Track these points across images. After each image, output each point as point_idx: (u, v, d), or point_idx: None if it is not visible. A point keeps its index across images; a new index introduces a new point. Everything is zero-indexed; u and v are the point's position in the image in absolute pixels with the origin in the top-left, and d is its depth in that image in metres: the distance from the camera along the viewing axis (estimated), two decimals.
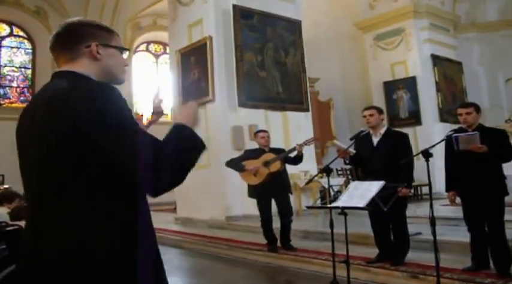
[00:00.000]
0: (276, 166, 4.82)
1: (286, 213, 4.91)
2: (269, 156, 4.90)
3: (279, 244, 4.98)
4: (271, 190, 4.84)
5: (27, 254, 1.10)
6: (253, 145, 5.41)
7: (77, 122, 1.03)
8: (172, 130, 1.14)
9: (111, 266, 1.04)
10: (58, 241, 1.04)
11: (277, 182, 4.84)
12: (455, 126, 4.14)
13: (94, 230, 1.04)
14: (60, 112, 1.06)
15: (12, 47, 12.54)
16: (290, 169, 5.20)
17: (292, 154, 4.90)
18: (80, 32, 1.20)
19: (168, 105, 8.73)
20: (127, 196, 1.09)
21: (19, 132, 1.20)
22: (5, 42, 12.47)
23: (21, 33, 12.67)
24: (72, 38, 1.19)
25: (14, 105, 12.03)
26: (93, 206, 1.06)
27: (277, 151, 5.02)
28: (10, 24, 12.52)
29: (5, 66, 12.37)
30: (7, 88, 12.33)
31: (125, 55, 1.27)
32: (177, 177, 1.10)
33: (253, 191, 4.99)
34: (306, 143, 4.89)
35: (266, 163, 4.83)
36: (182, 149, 1.11)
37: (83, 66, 1.18)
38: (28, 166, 1.15)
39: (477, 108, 3.61)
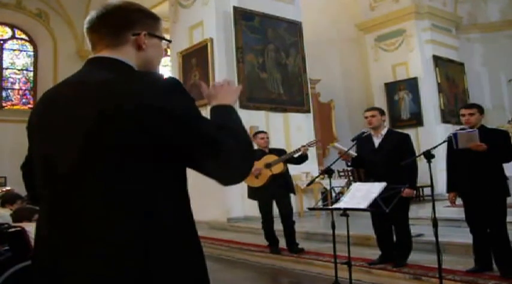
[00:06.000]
0: (278, 168, 4.79)
1: (288, 215, 4.89)
2: (270, 157, 4.87)
3: (282, 245, 4.95)
4: (273, 192, 4.82)
5: (52, 254, 0.93)
6: (253, 146, 5.39)
7: (141, 114, 0.91)
8: (226, 112, 1.08)
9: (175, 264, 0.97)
10: (104, 236, 0.90)
11: (279, 183, 4.82)
12: (458, 127, 4.13)
13: (150, 228, 0.94)
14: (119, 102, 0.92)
15: (14, 50, 12.58)
16: (291, 170, 5.19)
17: (296, 155, 4.89)
18: (130, 18, 1.08)
19: None
20: (181, 188, 1.07)
21: (42, 123, 1.03)
22: (7, 45, 12.51)
23: (23, 36, 12.70)
24: (121, 23, 1.07)
25: (16, 107, 12.07)
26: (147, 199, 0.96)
27: (277, 151, 4.99)
28: (12, 27, 12.56)
29: (7, 68, 12.42)
30: (9, 90, 12.37)
31: (164, 45, 1.17)
32: (245, 159, 1.03)
33: (254, 193, 4.96)
34: (309, 145, 4.88)
35: (268, 165, 4.81)
36: (242, 130, 1.04)
37: (126, 55, 1.06)
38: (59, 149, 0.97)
39: (480, 110, 3.59)
